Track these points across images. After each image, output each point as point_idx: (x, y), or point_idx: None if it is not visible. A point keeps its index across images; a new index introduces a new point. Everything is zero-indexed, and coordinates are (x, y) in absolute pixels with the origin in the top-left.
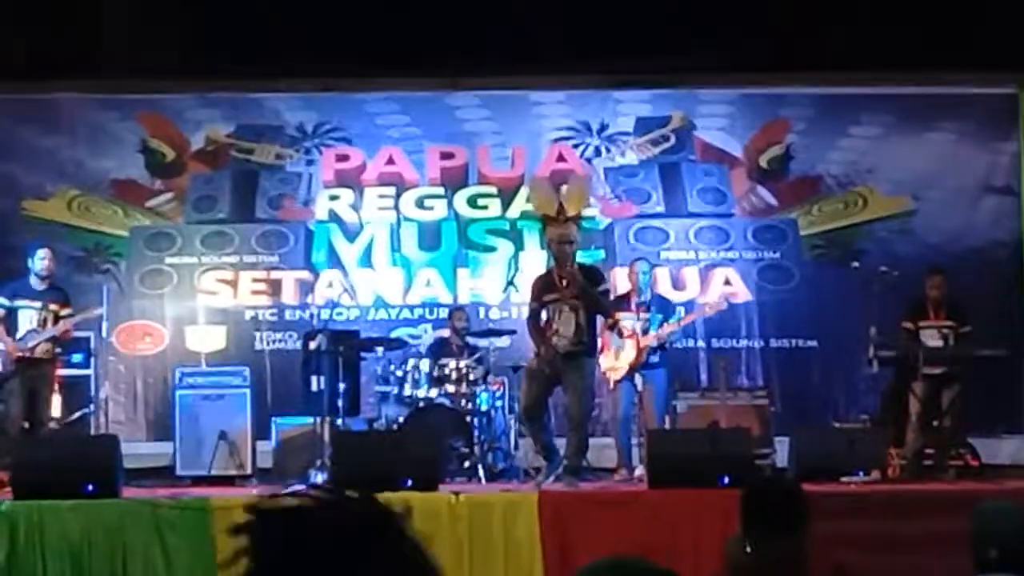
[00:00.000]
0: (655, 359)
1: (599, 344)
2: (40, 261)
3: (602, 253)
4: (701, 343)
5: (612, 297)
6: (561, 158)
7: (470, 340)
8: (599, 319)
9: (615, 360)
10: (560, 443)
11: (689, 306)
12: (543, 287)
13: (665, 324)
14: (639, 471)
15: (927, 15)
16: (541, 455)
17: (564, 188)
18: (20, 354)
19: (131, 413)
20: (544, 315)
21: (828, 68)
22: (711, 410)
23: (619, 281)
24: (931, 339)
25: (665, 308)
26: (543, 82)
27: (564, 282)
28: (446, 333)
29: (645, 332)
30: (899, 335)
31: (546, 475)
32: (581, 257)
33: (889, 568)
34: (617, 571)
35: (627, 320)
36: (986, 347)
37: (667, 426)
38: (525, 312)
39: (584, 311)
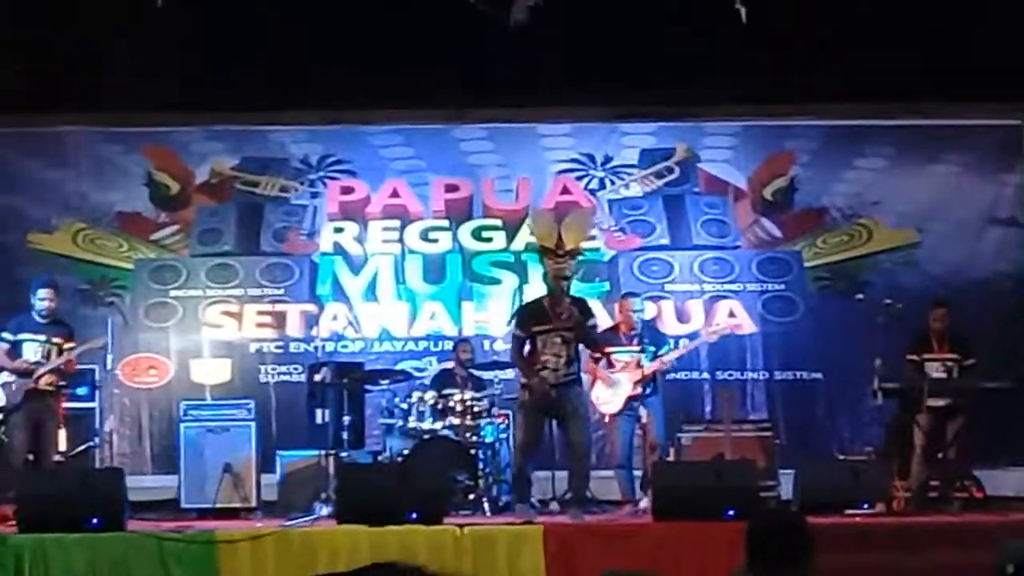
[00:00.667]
0: (649, 390)
1: (589, 377)
2: (41, 301)
3: (606, 285)
4: (706, 375)
5: (600, 330)
6: (565, 190)
7: (475, 372)
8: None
9: (610, 394)
10: (560, 476)
11: (692, 338)
12: (533, 317)
13: (661, 354)
14: (644, 503)
15: (931, 47)
16: (517, 492)
17: (564, 221)
18: (28, 374)
19: (136, 446)
20: (528, 345)
21: (833, 100)
22: (716, 442)
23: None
24: (935, 371)
25: (657, 340)
26: (547, 114)
27: (560, 314)
28: (451, 365)
29: (639, 365)
30: (903, 368)
31: (516, 509)
32: (586, 290)
33: None
34: None
35: (620, 354)
36: (990, 379)
37: (671, 457)
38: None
39: (574, 343)
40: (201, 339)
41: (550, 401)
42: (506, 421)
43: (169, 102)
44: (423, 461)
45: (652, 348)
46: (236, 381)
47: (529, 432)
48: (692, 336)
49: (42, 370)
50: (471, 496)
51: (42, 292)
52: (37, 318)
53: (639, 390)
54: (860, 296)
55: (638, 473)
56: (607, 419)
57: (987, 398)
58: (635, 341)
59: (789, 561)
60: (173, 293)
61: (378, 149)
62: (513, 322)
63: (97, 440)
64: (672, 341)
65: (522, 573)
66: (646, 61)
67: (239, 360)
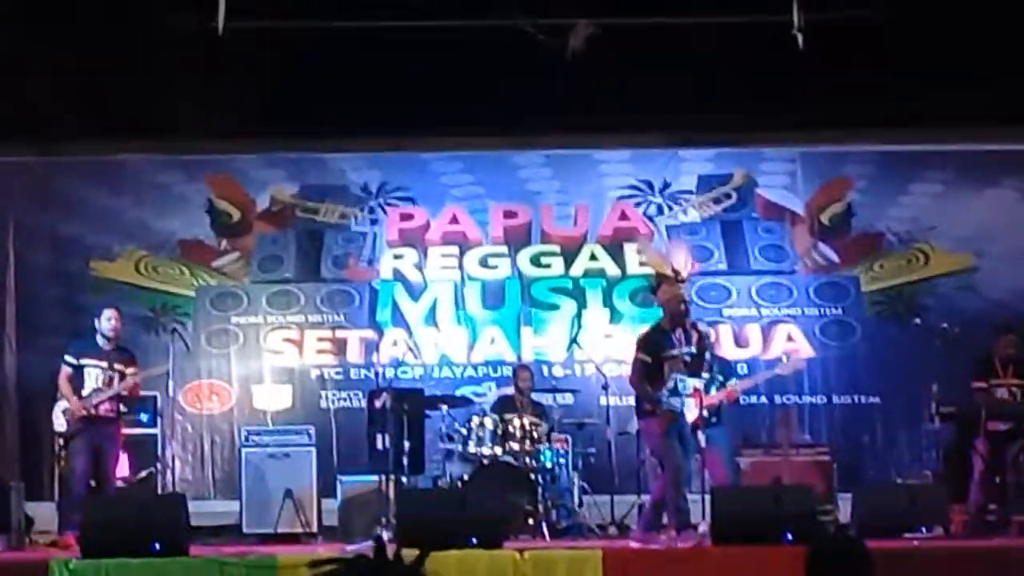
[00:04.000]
0: (715, 419)
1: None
2: (107, 322)
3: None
4: (764, 399)
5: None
6: (624, 216)
7: (534, 398)
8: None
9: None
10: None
11: (752, 363)
12: (660, 343)
13: (734, 382)
14: (702, 528)
15: (987, 72)
16: (680, 517)
17: (672, 248)
18: (85, 412)
19: (198, 471)
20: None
21: (889, 125)
22: (774, 466)
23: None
24: (1002, 397)
25: (725, 368)
26: (606, 141)
27: (684, 339)
28: (510, 391)
29: (707, 391)
30: (960, 392)
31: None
32: (644, 315)
33: None
34: None
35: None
36: None
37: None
38: (588, 370)
39: (688, 369)
40: (262, 365)
41: (678, 426)
42: (565, 446)
43: (229, 130)
44: (483, 486)
45: (720, 377)
46: (297, 407)
47: (676, 457)
48: (750, 362)
49: (102, 396)
50: (530, 521)
51: (108, 312)
52: (101, 341)
53: (703, 418)
54: (917, 320)
55: (694, 497)
56: None
57: None
58: (703, 368)
59: None
60: (234, 320)
61: (437, 176)
62: (638, 347)
63: (159, 466)
64: (739, 366)
65: None
66: (703, 87)
67: (300, 386)
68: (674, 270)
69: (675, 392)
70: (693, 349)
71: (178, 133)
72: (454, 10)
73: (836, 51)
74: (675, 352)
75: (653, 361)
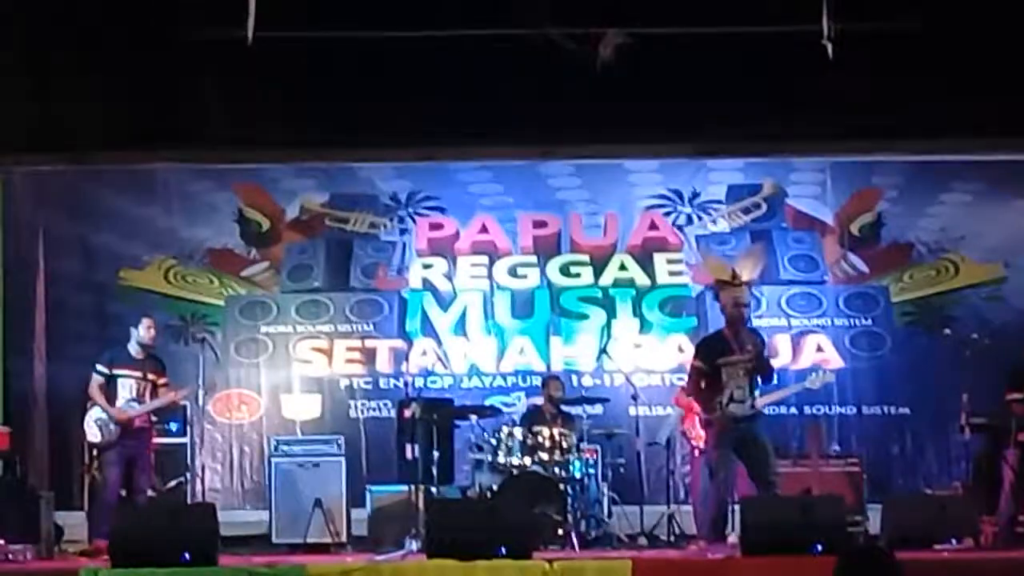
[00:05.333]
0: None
1: (684, 412)
2: (145, 331)
3: (695, 320)
4: (794, 410)
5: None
6: (653, 226)
7: (563, 408)
8: None
9: (701, 429)
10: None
11: (782, 373)
12: (716, 349)
13: (764, 395)
14: (732, 538)
15: (1016, 83)
16: (716, 530)
17: (740, 255)
18: (124, 421)
19: (227, 481)
20: (707, 379)
21: (920, 136)
22: (804, 477)
23: None
24: None
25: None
26: (635, 150)
27: (742, 345)
28: (540, 401)
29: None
30: (990, 402)
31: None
32: (674, 324)
33: None
34: None
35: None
36: None
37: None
38: (618, 380)
39: (753, 373)
40: (291, 375)
41: (737, 435)
42: (595, 456)
43: (259, 139)
44: (512, 496)
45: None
46: (326, 416)
47: (728, 467)
48: (781, 373)
49: (140, 410)
50: (560, 531)
51: (146, 321)
52: (133, 350)
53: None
54: (947, 331)
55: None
56: (696, 453)
57: None
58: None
59: None
60: (264, 329)
61: (467, 185)
62: (695, 354)
63: (189, 475)
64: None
65: None
66: (733, 97)
67: (329, 396)
68: (733, 273)
69: (733, 399)
70: (751, 355)
71: (207, 142)
72: (484, 20)
73: (866, 61)
74: (733, 358)
75: (710, 367)
